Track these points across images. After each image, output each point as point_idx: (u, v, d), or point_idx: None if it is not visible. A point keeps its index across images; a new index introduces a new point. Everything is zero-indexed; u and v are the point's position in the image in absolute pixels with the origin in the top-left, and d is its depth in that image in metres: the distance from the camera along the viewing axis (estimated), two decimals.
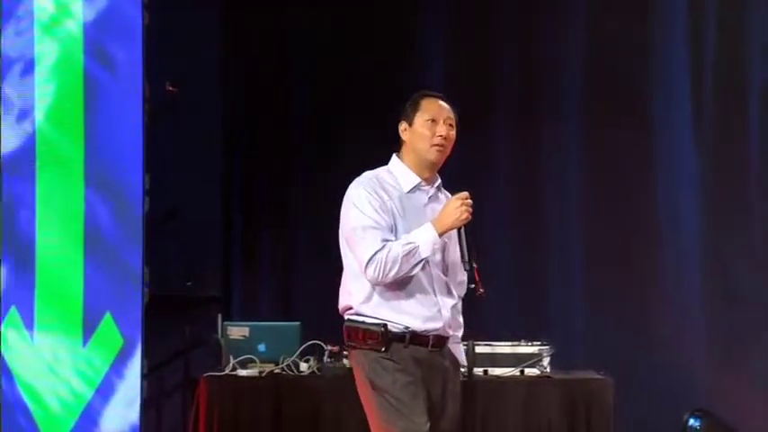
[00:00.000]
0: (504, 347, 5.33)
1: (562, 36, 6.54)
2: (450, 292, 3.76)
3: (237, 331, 5.48)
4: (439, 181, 3.82)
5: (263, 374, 5.30)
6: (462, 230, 3.66)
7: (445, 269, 3.76)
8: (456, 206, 3.64)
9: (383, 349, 3.65)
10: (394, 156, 3.83)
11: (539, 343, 5.33)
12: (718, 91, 6.36)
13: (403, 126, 3.80)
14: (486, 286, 5.05)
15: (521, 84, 6.58)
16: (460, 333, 3.86)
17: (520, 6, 6.58)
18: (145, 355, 5.41)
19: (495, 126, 6.61)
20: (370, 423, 3.74)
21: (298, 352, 5.33)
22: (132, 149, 5.43)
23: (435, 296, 3.71)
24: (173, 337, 6.16)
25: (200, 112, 6.37)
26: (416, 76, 6.49)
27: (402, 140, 3.81)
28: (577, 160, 6.54)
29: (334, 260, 6.80)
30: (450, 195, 3.76)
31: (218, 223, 6.67)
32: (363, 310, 3.70)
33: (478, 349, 5.25)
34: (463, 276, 3.78)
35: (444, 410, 3.76)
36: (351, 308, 3.73)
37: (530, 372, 5.27)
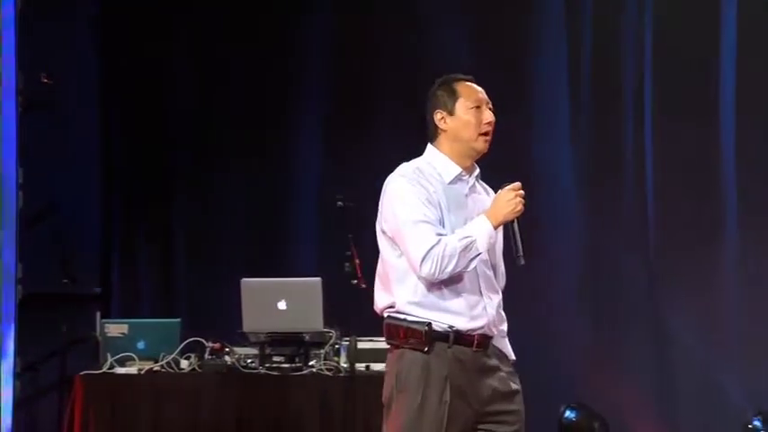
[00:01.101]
0: (386, 343, 5.19)
1: (446, 36, 6.49)
2: (494, 289, 3.46)
3: (116, 329, 5.26)
4: (478, 170, 3.49)
5: (142, 372, 5.10)
6: (515, 223, 3.38)
7: (489, 264, 3.45)
8: (510, 198, 3.34)
9: (426, 349, 3.34)
10: (430, 146, 3.48)
11: None
12: (594, 91, 6.37)
13: (440, 115, 3.45)
14: (368, 283, 5.05)
15: (401, 84, 6.53)
16: (505, 327, 3.51)
17: (400, 7, 6.51)
18: (18, 354, 5.14)
19: (379, 127, 6.55)
20: (385, 424, 3.44)
21: (178, 349, 5.14)
22: (4, 142, 5.15)
23: (481, 293, 3.41)
24: (49, 335, 5.88)
25: (77, 106, 6.15)
26: (295, 76, 6.42)
27: (439, 130, 3.45)
28: None
29: (214, 257, 6.60)
30: (486, 186, 3.53)
31: (97, 219, 6.46)
32: (407, 308, 3.38)
33: (361, 345, 5.12)
34: (504, 269, 3.52)
35: (498, 412, 3.39)
36: (392, 306, 3.41)
37: None
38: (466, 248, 3.31)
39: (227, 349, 5.07)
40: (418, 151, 6.98)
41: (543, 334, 6.15)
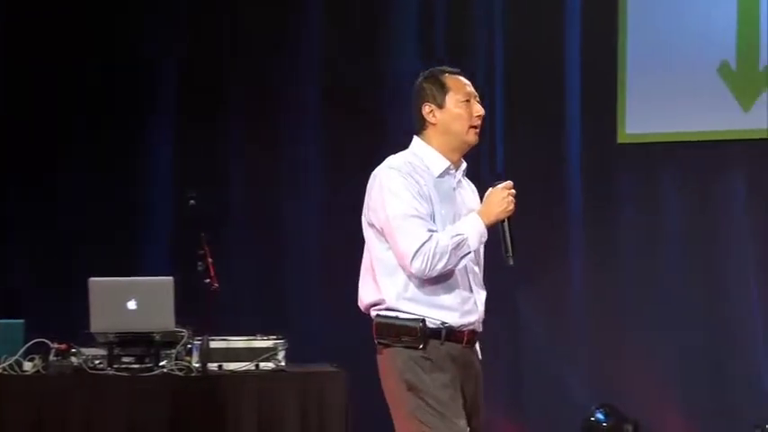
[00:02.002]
0: (239, 342, 5.09)
1: (300, 39, 6.45)
2: (482, 284, 3.36)
3: None
4: (464, 165, 3.39)
5: None
6: (506, 222, 3.29)
7: (478, 260, 3.35)
8: (502, 196, 3.26)
9: (420, 346, 3.21)
10: (416, 138, 3.36)
11: (274, 337, 5.13)
12: None
13: (429, 108, 3.33)
14: (221, 283, 4.94)
15: (254, 79, 6.42)
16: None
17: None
18: None
19: (231, 126, 6.43)
20: (398, 425, 3.30)
21: (21, 351, 4.89)
22: None
23: (471, 289, 3.31)
24: None
25: None
26: (146, 74, 6.31)
27: (427, 123, 3.33)
28: (315, 161, 6.45)
29: (62, 257, 6.35)
30: (470, 182, 3.41)
31: None
32: (398, 305, 3.24)
33: (213, 344, 4.99)
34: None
35: (477, 410, 3.34)
36: (381, 303, 3.27)
37: (265, 366, 5.06)
38: (457, 246, 3.21)
39: (73, 350, 4.86)
40: (274, 147, 6.93)
41: None
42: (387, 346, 3.27)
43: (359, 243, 6.25)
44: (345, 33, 6.45)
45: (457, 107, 3.32)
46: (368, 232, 3.34)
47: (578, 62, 6.25)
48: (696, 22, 6.06)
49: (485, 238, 3.28)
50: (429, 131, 3.35)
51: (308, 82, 6.52)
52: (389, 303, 3.26)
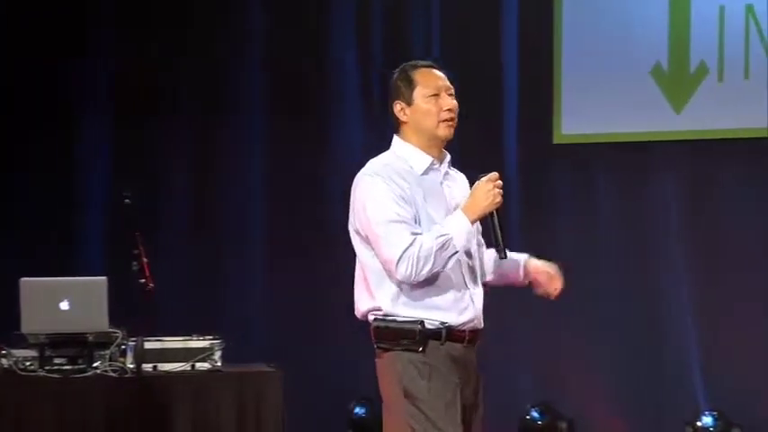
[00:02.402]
0: (174, 343, 5.02)
1: (243, 38, 6.40)
2: (479, 281, 3.25)
3: None
4: (449, 157, 3.29)
5: None
6: (495, 216, 3.18)
7: (473, 254, 3.23)
8: (487, 189, 3.14)
9: (420, 349, 3.13)
10: (395, 138, 3.27)
11: (210, 337, 5.07)
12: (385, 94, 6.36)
13: (399, 106, 3.24)
14: (157, 283, 4.86)
15: (201, 83, 6.35)
16: None
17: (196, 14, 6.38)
18: None
19: (167, 125, 6.36)
20: (387, 428, 3.22)
21: None
22: None
23: (466, 286, 3.20)
24: None
25: None
26: (77, 75, 6.26)
27: (400, 121, 3.25)
28: (254, 159, 6.40)
29: None
30: (458, 172, 3.31)
31: None
32: (394, 309, 3.17)
33: (148, 345, 4.90)
34: (489, 260, 3.30)
35: (476, 410, 3.24)
36: (377, 309, 3.20)
37: (201, 366, 4.99)
38: (442, 247, 3.10)
39: (3, 352, 4.75)
40: (212, 144, 6.88)
41: (331, 329, 6.09)
42: (386, 350, 3.19)
43: (299, 243, 6.27)
44: (287, 31, 6.39)
45: (425, 102, 3.22)
46: (354, 239, 3.27)
47: (515, 63, 6.27)
48: (629, 24, 6.11)
49: (472, 236, 3.18)
50: (404, 129, 3.28)
51: (248, 78, 6.46)
52: (386, 309, 3.19)
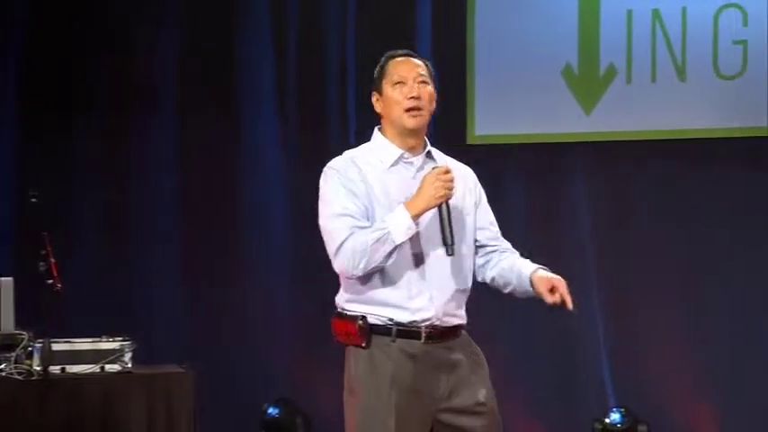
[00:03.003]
0: (83, 344, 4.92)
1: (156, 38, 6.34)
2: (450, 277, 3.11)
3: None
4: (428, 148, 3.17)
5: None
6: (444, 209, 3.05)
7: (448, 250, 3.09)
8: (431, 182, 3.02)
9: (363, 344, 3.06)
10: (375, 130, 3.21)
11: (120, 338, 4.98)
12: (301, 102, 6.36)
13: (375, 97, 3.20)
14: (65, 284, 4.77)
15: (110, 80, 6.25)
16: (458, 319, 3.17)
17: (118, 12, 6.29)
18: None
19: (75, 123, 6.25)
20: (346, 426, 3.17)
21: None
22: None
23: (426, 282, 3.09)
24: None
25: None
26: None
27: (378, 113, 3.20)
28: (163, 157, 6.32)
29: None
30: (455, 162, 3.22)
31: None
32: (346, 304, 3.12)
33: (56, 347, 4.80)
34: (470, 257, 3.17)
35: (453, 408, 3.09)
36: (337, 304, 3.17)
37: (110, 368, 4.90)
38: (378, 241, 3.00)
39: None
40: (122, 143, 6.79)
41: (244, 329, 6.06)
42: (344, 345, 3.16)
43: (211, 242, 6.21)
44: (200, 25, 6.33)
45: (392, 91, 3.16)
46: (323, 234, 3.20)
47: (429, 63, 6.28)
48: (541, 26, 6.17)
49: (412, 231, 3.04)
50: (382, 121, 3.24)
51: (162, 78, 6.39)
52: (339, 304, 3.17)
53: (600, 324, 6.02)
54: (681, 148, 6.02)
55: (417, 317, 3.10)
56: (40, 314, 4.74)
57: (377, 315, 3.09)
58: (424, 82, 3.17)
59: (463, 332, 3.19)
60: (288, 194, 6.25)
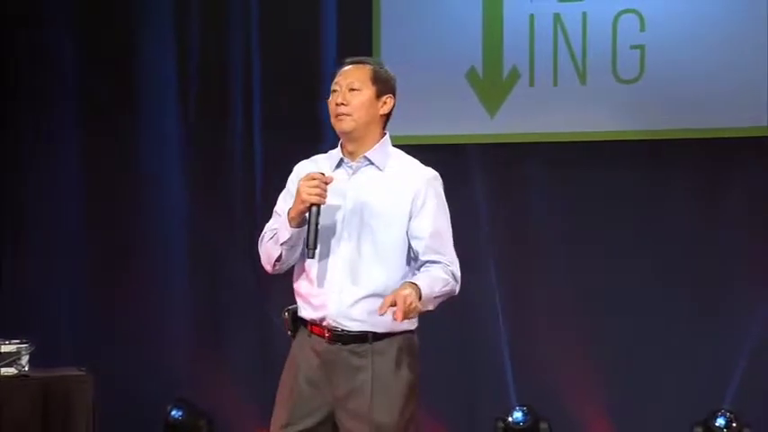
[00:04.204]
0: None
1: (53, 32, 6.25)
2: (361, 280, 3.13)
3: None
4: (369, 152, 3.22)
5: None
6: (312, 214, 3.09)
7: (360, 254, 3.14)
8: (301, 186, 3.10)
9: (289, 333, 3.25)
10: None
11: (17, 341, 4.88)
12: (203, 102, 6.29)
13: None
14: None
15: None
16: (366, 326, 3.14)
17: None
18: None
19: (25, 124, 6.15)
20: None
21: None
22: None
23: (328, 282, 3.14)
24: None
25: None
26: None
27: None
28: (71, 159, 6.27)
29: None
30: (406, 166, 3.27)
31: None
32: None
33: None
34: (386, 264, 3.14)
35: (347, 410, 3.13)
36: None
37: (6, 371, 4.80)
38: (271, 240, 3.19)
39: None
40: (23, 142, 6.64)
41: (146, 330, 5.99)
42: None
43: (112, 242, 6.11)
44: (100, 27, 6.24)
45: (329, 99, 3.27)
46: None
47: (333, 66, 6.28)
48: (445, 29, 6.20)
49: (289, 231, 3.13)
50: None
51: (60, 71, 6.28)
52: None
53: (501, 323, 6.08)
54: (581, 150, 6.11)
55: (316, 315, 3.18)
56: None
57: (299, 308, 3.24)
58: (354, 89, 3.24)
59: (390, 341, 3.18)
60: (188, 190, 6.20)
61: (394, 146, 3.33)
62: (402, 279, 3.17)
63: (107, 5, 6.26)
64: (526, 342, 6.04)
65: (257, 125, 6.28)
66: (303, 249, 3.16)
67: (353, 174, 3.23)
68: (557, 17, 6.13)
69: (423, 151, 6.17)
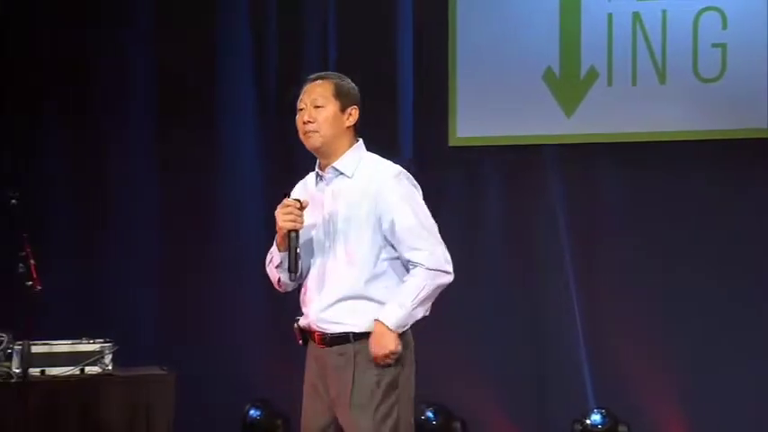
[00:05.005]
0: (63, 346, 4.91)
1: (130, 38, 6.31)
2: (330, 285, 3.29)
3: None
4: (340, 164, 3.34)
5: None
6: (291, 238, 3.28)
7: (336, 260, 3.30)
8: (277, 213, 3.32)
9: (300, 343, 3.42)
10: None
11: (101, 340, 4.96)
12: (280, 96, 6.33)
13: None
14: (45, 285, 4.72)
15: (86, 82, 6.21)
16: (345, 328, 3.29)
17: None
18: None
19: (54, 125, 6.21)
20: None
21: None
22: None
23: (311, 290, 3.35)
24: None
25: None
26: None
27: None
28: (142, 159, 6.30)
29: None
30: (378, 177, 3.33)
31: None
32: None
33: (35, 349, 4.78)
34: (362, 267, 3.26)
35: (340, 408, 3.30)
36: None
37: (90, 370, 4.88)
38: (270, 263, 3.39)
39: None
40: (98, 144, 6.75)
41: (224, 330, 6.02)
42: None
43: (190, 242, 6.17)
44: (176, 32, 6.31)
45: (297, 118, 3.39)
46: None
47: (411, 67, 6.29)
48: (522, 30, 6.18)
49: (277, 254, 3.35)
50: None
51: (137, 83, 6.36)
52: None
53: (579, 324, 6.03)
54: (660, 150, 6.03)
55: (305, 322, 3.37)
56: (19, 316, 4.71)
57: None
58: (318, 106, 3.34)
59: (361, 342, 3.27)
60: (264, 198, 6.24)
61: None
62: (382, 276, 3.28)
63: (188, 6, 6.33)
64: (604, 342, 5.99)
65: None
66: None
67: (327, 185, 3.37)
68: (636, 16, 6.07)
69: (498, 152, 6.25)
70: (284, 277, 3.37)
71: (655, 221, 6.02)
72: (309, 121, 3.32)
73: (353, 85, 3.42)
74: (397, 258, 3.31)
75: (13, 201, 4.86)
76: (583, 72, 6.13)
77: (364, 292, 3.27)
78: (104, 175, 6.33)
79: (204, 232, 6.24)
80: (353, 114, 3.39)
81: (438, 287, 3.29)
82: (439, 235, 3.34)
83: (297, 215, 3.27)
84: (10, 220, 4.85)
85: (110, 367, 4.91)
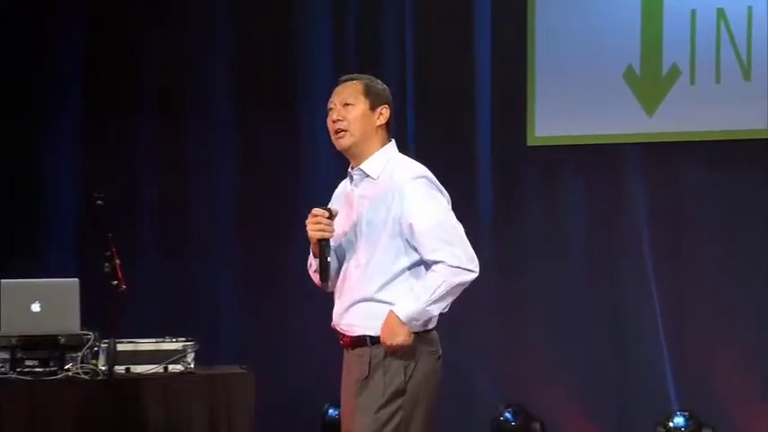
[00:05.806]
0: (146, 344, 4.99)
1: (209, 38, 6.37)
2: (352, 288, 3.33)
3: None
4: (366, 165, 3.33)
5: None
6: (322, 247, 3.30)
7: (356, 262, 3.33)
8: (308, 223, 3.33)
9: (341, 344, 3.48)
10: None
11: (183, 339, 5.03)
12: None
13: None
14: (129, 285, 4.81)
15: (170, 83, 6.30)
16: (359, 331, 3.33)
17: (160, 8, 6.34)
18: None
19: (138, 126, 6.30)
20: None
21: None
22: None
23: (338, 293, 3.41)
24: None
25: None
26: (47, 74, 6.21)
27: None
28: (226, 160, 6.37)
29: None
30: (398, 181, 3.28)
31: None
32: None
33: (120, 347, 4.87)
34: (381, 269, 3.28)
35: (351, 416, 3.37)
36: None
37: (173, 368, 4.96)
38: (310, 267, 3.43)
39: None
40: (184, 146, 6.84)
41: (303, 332, 6.06)
42: None
43: (271, 243, 6.22)
44: (257, 32, 6.37)
45: (328, 117, 3.38)
46: None
47: (488, 66, 6.28)
48: (602, 28, 6.13)
49: (313, 260, 3.37)
50: None
51: (218, 80, 6.43)
52: None
53: (660, 324, 5.96)
54: (746, 149, 5.93)
55: (334, 323, 3.42)
56: (104, 315, 4.80)
57: None
58: (347, 104, 3.33)
59: (378, 346, 3.26)
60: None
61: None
62: (397, 280, 3.27)
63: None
64: (687, 344, 5.91)
65: (411, 127, 6.30)
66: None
67: (356, 187, 3.37)
68: (720, 12, 5.98)
69: (578, 151, 6.20)
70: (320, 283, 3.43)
71: (740, 221, 5.93)
72: (339, 120, 3.32)
73: (385, 86, 3.39)
74: (421, 264, 3.27)
75: (99, 202, 4.96)
76: (665, 70, 6.06)
77: (378, 296, 3.27)
78: (186, 176, 6.39)
79: (286, 232, 6.29)
80: (384, 114, 3.35)
81: (459, 285, 3.23)
82: (463, 234, 3.27)
83: (325, 224, 3.27)
84: (95, 221, 4.95)
85: (192, 366, 4.98)
